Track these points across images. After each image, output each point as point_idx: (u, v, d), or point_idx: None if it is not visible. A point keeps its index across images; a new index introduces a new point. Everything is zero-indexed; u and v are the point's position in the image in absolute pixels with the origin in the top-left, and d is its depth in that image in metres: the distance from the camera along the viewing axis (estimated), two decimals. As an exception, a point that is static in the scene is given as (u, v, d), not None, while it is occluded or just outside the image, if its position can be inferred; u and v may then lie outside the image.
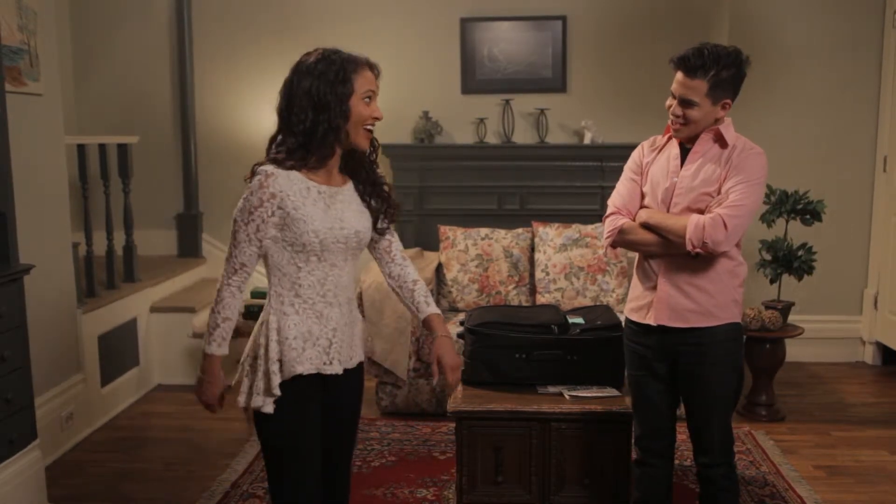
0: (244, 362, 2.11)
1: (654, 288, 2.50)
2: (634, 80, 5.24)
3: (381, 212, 2.19)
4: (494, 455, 2.97)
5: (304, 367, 2.04)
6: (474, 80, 5.30)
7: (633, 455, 2.77)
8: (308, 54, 2.05)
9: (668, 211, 2.48)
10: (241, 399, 2.08)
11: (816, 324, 4.79)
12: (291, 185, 2.01)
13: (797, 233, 4.37)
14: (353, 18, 5.27)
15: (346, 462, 2.28)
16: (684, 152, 2.50)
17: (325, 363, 2.08)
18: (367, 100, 2.05)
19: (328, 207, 2.04)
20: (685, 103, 2.40)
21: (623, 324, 2.74)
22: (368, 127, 2.08)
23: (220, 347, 2.11)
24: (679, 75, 2.41)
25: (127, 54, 5.47)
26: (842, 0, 4.88)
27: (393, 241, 2.26)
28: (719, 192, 2.41)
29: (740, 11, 4.90)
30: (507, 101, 5.21)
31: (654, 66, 5.18)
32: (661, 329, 2.50)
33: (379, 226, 2.19)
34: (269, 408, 2.03)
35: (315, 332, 2.07)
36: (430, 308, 2.22)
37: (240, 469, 3.54)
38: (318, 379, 2.08)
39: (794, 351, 4.59)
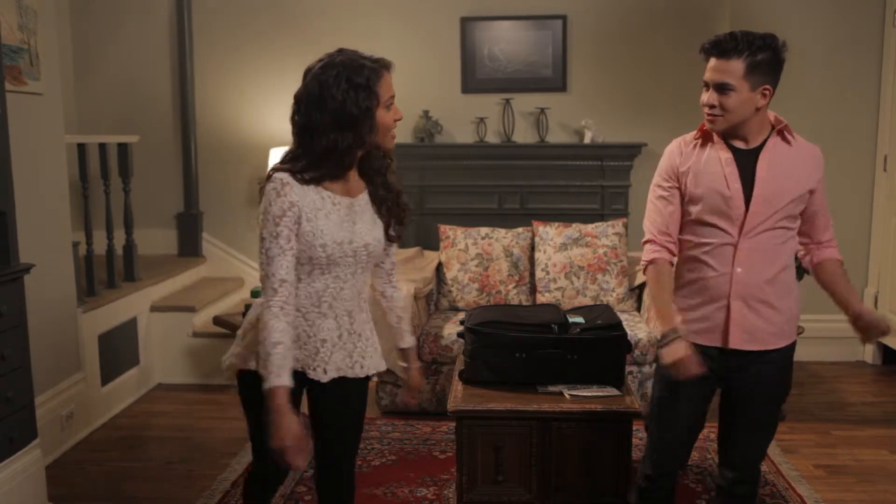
0: (240, 333, 2.13)
1: (725, 308, 2.29)
2: (635, 80, 5.24)
3: (394, 218, 2.16)
4: (494, 454, 2.97)
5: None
6: (474, 79, 5.30)
7: (640, 479, 2.59)
8: (326, 66, 1.95)
9: (740, 230, 2.25)
10: (226, 359, 2.09)
11: (817, 323, 4.78)
12: (306, 195, 1.97)
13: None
14: (354, 17, 5.27)
15: (350, 464, 2.28)
16: (738, 154, 2.28)
17: (309, 367, 2.06)
18: (388, 106, 2.00)
19: (342, 220, 2.01)
20: (721, 88, 2.20)
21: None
22: (393, 129, 2.06)
23: (279, 378, 1.87)
24: (712, 61, 2.22)
25: (127, 53, 5.47)
26: (842, 0, 4.88)
27: (395, 263, 2.29)
28: (796, 203, 2.28)
29: (741, 11, 4.90)
30: (508, 101, 5.21)
31: (654, 66, 5.18)
32: (731, 352, 2.32)
33: (391, 233, 2.16)
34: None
35: (303, 339, 2.06)
36: (411, 340, 2.38)
37: (240, 468, 3.54)
38: (307, 379, 2.08)
39: (795, 350, 4.59)
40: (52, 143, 3.69)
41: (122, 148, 4.56)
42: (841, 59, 4.91)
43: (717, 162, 2.29)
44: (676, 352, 2.21)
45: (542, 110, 5.19)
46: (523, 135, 5.30)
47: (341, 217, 2.01)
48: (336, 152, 1.96)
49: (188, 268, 5.31)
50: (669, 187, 2.36)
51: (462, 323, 3.32)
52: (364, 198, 2.11)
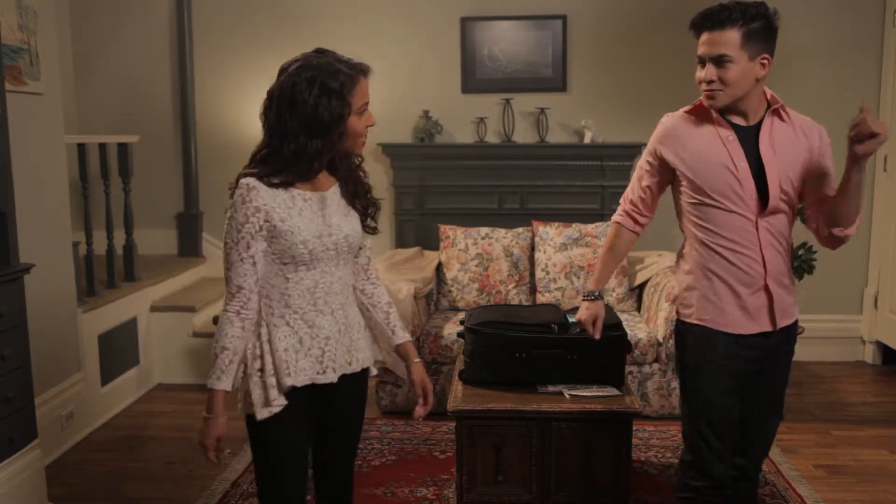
0: (237, 371, 2.04)
1: (764, 289, 2.25)
2: (634, 80, 5.23)
3: (367, 211, 2.13)
4: (494, 454, 2.97)
5: (298, 380, 2.00)
6: (474, 79, 5.29)
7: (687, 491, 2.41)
8: (300, 67, 1.93)
9: (757, 209, 2.20)
10: (239, 407, 2.06)
11: (817, 323, 4.79)
12: (275, 196, 1.94)
13: (798, 232, 4.29)
14: (354, 18, 5.27)
15: (350, 463, 2.27)
16: (739, 131, 2.22)
17: (318, 373, 2.04)
18: (361, 113, 1.98)
19: (315, 215, 2.00)
20: (719, 61, 2.12)
21: (698, 345, 2.33)
22: (363, 135, 2.03)
23: (218, 381, 1.96)
24: (705, 35, 2.15)
25: (127, 53, 5.47)
26: (842, 0, 4.88)
27: (370, 258, 2.23)
28: (803, 180, 2.22)
29: (740, 11, 4.90)
30: (508, 101, 5.21)
31: (653, 65, 5.18)
32: (768, 334, 2.29)
33: (368, 224, 2.14)
34: (262, 414, 1.99)
35: (307, 343, 2.03)
36: (406, 335, 2.23)
37: (240, 468, 3.54)
38: (313, 387, 2.05)
39: (795, 349, 4.59)
40: (52, 143, 3.69)
41: (122, 148, 4.56)
42: (841, 59, 4.91)
43: (718, 139, 2.22)
44: (584, 313, 2.67)
45: (542, 110, 5.19)
46: (523, 135, 5.30)
47: (314, 212, 2.00)
48: (305, 157, 1.93)
49: (188, 268, 5.31)
50: (651, 163, 2.38)
51: (462, 323, 3.32)
52: (334, 191, 2.08)
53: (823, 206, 2.27)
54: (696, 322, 2.32)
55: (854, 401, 4.41)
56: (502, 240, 4.60)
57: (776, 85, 4.89)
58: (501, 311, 3.34)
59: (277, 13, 5.34)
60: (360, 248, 2.18)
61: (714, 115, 2.23)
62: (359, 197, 2.12)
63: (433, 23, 5.28)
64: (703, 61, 2.18)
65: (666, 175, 2.37)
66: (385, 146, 5.16)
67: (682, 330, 2.39)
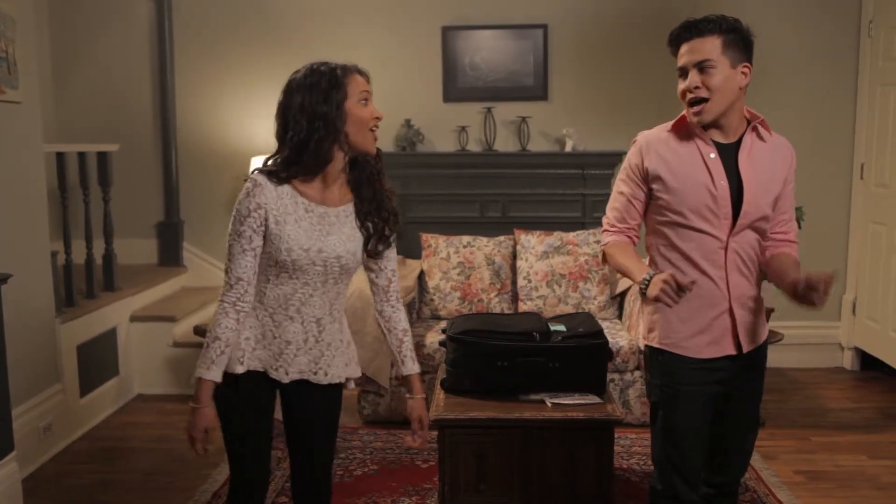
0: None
1: (728, 313, 2.22)
2: (615, 88, 5.27)
3: (379, 233, 2.13)
4: (477, 463, 2.97)
5: (251, 365, 2.06)
6: (456, 88, 5.31)
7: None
8: (297, 71, 2.04)
9: (729, 229, 2.18)
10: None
11: (796, 330, 4.82)
12: (279, 198, 2.00)
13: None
14: (336, 26, 5.27)
15: (325, 471, 2.28)
16: (720, 149, 2.19)
17: (272, 367, 2.09)
18: (363, 102, 2.02)
19: (312, 228, 2.02)
20: (702, 67, 2.11)
21: (665, 370, 2.28)
22: (373, 128, 2.05)
23: (208, 371, 1.98)
24: (685, 46, 2.15)
25: (107, 61, 5.43)
26: (818, 10, 4.94)
27: (393, 280, 2.22)
28: (775, 201, 2.23)
29: (719, 21, 4.94)
30: (489, 110, 5.23)
31: (634, 74, 5.21)
32: (734, 357, 2.26)
33: (370, 248, 2.13)
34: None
35: (268, 338, 2.08)
36: (415, 367, 2.25)
37: (221, 479, 3.52)
38: (267, 379, 2.10)
39: (774, 357, 4.59)
40: (30, 151, 3.66)
41: (102, 157, 4.53)
42: (818, 69, 4.97)
43: (699, 157, 2.19)
44: (660, 278, 2.06)
45: (524, 119, 5.21)
46: (505, 143, 5.32)
47: (312, 225, 2.02)
48: (309, 144, 1.97)
49: (168, 277, 5.27)
50: (632, 182, 2.27)
51: (444, 332, 3.32)
52: (347, 209, 2.10)
53: (765, 259, 2.29)
54: (660, 347, 2.28)
55: (833, 407, 4.44)
56: (484, 248, 4.61)
57: (754, 93, 4.94)
58: (483, 320, 3.34)
59: (259, 22, 5.33)
60: (380, 270, 2.20)
61: (697, 131, 2.21)
62: (372, 218, 2.12)
63: (415, 32, 5.29)
64: (684, 71, 2.17)
65: (646, 190, 2.27)
66: (367, 155, 5.15)
67: (649, 354, 2.35)
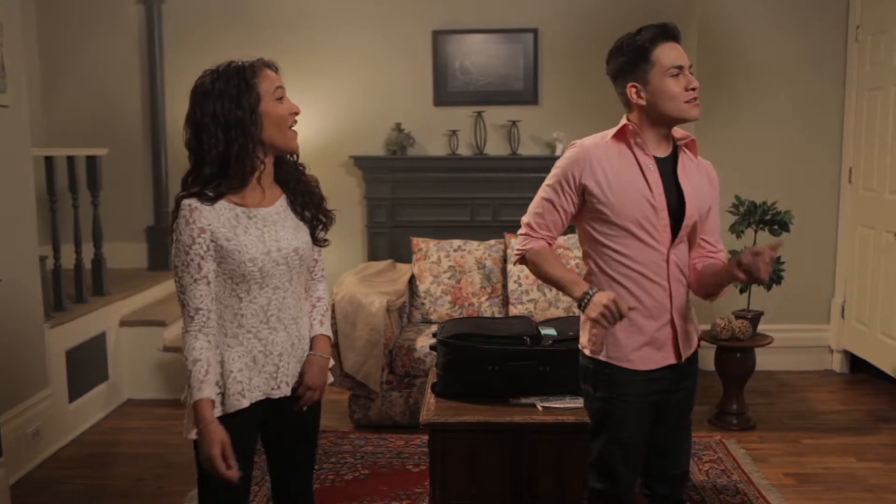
0: (186, 395, 1.98)
1: (669, 323, 2.24)
2: (605, 92, 5.19)
3: (317, 221, 2.11)
4: (468, 467, 2.97)
5: (252, 397, 2.00)
6: (446, 92, 5.32)
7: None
8: (202, 77, 1.94)
9: (670, 240, 2.19)
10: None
11: (785, 333, 4.85)
12: (219, 216, 1.93)
13: (766, 243, 4.41)
14: (326, 31, 5.28)
15: (308, 475, 2.25)
16: (658, 162, 2.21)
17: (272, 388, 2.04)
18: (278, 99, 1.96)
19: (260, 232, 1.97)
20: (690, 70, 2.20)
21: (607, 382, 2.28)
22: (292, 124, 2.00)
23: (200, 392, 1.89)
24: (675, 45, 2.23)
25: (96, 65, 5.42)
26: (806, 16, 4.97)
27: (319, 260, 2.20)
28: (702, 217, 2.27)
29: (708, 27, 4.97)
30: (480, 113, 5.24)
31: (624, 79, 5.23)
32: (675, 365, 2.28)
33: (317, 235, 2.11)
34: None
35: (260, 361, 2.02)
36: (321, 328, 2.17)
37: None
38: (266, 402, 2.05)
39: (764, 360, 4.65)
40: (18, 155, 3.65)
41: (91, 161, 4.52)
42: (806, 74, 5.00)
43: (637, 167, 2.19)
44: (601, 299, 2.08)
45: (514, 123, 5.22)
46: (495, 147, 5.33)
47: (259, 229, 1.98)
48: (230, 157, 1.90)
49: (158, 282, 5.25)
50: (563, 193, 2.23)
51: (435, 335, 3.31)
52: (281, 204, 2.05)
53: (695, 270, 2.31)
54: (608, 361, 2.27)
55: (822, 409, 4.46)
56: (475, 252, 4.61)
57: (744, 98, 5.00)
58: (474, 324, 3.34)
59: (249, 26, 5.33)
60: (315, 261, 2.18)
61: (638, 140, 2.22)
62: (308, 207, 2.09)
63: (405, 36, 5.30)
64: (680, 69, 2.19)
65: (576, 202, 2.24)
66: (357, 159, 5.15)
67: (593, 368, 2.32)
